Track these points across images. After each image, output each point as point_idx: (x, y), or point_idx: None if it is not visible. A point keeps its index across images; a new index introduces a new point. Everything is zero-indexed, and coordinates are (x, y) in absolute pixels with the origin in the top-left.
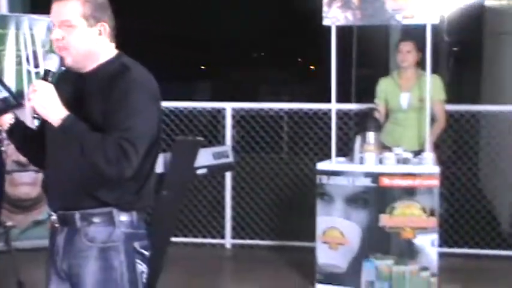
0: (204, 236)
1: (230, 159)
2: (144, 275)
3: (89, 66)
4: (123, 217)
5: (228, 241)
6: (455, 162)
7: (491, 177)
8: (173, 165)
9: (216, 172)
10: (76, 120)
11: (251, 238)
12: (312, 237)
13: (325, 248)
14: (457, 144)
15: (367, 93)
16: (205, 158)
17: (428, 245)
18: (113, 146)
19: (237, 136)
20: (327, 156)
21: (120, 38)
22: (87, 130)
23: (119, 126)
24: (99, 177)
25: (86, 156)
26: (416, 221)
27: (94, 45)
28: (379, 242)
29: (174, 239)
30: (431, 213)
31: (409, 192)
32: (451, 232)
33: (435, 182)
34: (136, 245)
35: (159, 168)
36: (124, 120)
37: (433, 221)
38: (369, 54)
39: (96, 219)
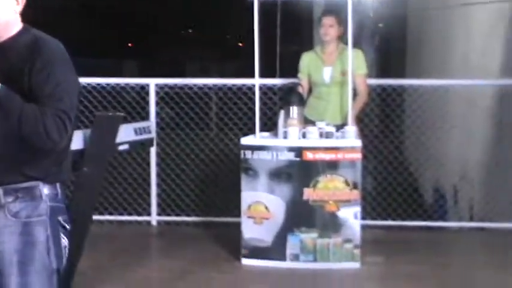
0: (130, 214)
1: (152, 134)
2: (66, 250)
3: (5, 36)
4: (48, 190)
5: (154, 218)
6: (379, 136)
7: (415, 152)
8: (93, 140)
9: (137, 148)
10: (10, 91)
11: (177, 215)
12: (237, 212)
13: (251, 223)
14: (380, 118)
15: (291, 68)
16: (126, 133)
17: (352, 217)
18: (52, 117)
19: (162, 113)
20: (252, 131)
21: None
22: (23, 102)
23: (51, 97)
24: (27, 152)
25: (25, 128)
26: (339, 194)
27: (12, 15)
28: (303, 215)
29: (98, 217)
30: (354, 186)
31: (332, 166)
32: (374, 205)
33: (357, 156)
34: (60, 218)
35: (80, 144)
36: (54, 92)
37: (356, 194)
38: (293, 29)
39: (20, 194)
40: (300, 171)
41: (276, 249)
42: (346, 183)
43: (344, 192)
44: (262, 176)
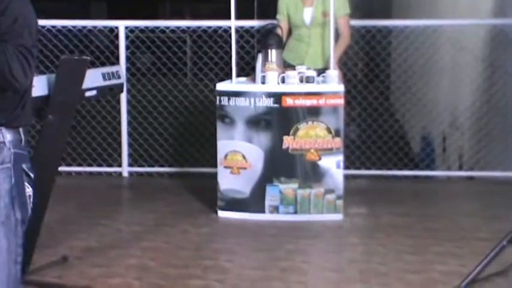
0: (100, 165)
1: (122, 80)
2: (31, 199)
3: None
4: (11, 136)
5: (125, 169)
6: (363, 81)
7: (401, 97)
8: (58, 86)
9: (106, 94)
10: None
11: (150, 166)
12: (213, 162)
13: (227, 173)
14: (365, 61)
15: (270, 9)
16: (94, 78)
17: (334, 166)
18: (14, 55)
19: (142, 58)
20: (228, 76)
21: None
22: None
23: (11, 33)
24: None
25: None
26: (320, 142)
27: None
28: (283, 165)
29: (66, 169)
30: (337, 134)
31: (313, 113)
32: (358, 154)
33: (340, 101)
34: (24, 166)
35: (44, 90)
36: (14, 28)
37: (338, 142)
38: None
39: None
40: (279, 119)
41: (254, 201)
42: (328, 130)
43: (326, 140)
44: (240, 124)
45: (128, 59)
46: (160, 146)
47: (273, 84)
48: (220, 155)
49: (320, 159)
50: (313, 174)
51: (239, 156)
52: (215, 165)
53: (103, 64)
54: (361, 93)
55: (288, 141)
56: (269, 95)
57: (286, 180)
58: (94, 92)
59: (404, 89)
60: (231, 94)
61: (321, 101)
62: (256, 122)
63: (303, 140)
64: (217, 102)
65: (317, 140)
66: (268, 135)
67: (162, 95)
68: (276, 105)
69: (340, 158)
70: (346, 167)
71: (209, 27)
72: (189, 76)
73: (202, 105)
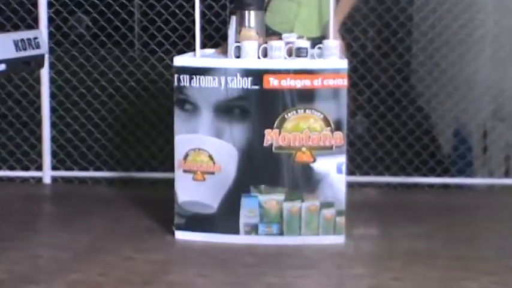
0: (12, 167)
1: (42, 50)
2: None
3: None
4: None
5: (47, 173)
6: (374, 54)
7: (426, 77)
8: None
9: (20, 69)
10: None
11: (82, 169)
12: (169, 165)
13: (188, 180)
14: (377, 28)
15: None
16: (3, 48)
17: (333, 171)
18: None
19: (57, 20)
20: (190, 48)
21: None
22: None
23: None
24: None
25: None
26: (316, 139)
27: None
28: (264, 168)
29: None
30: (337, 127)
31: (306, 97)
32: (366, 154)
33: (342, 82)
34: None
35: None
36: None
37: (340, 138)
38: None
39: None
40: (260, 106)
41: (224, 218)
42: (326, 122)
43: (323, 136)
44: (205, 112)
45: (51, 21)
46: (96, 142)
47: (251, 58)
48: (178, 155)
49: (315, 161)
50: (305, 181)
51: (204, 156)
52: (172, 169)
53: (16, 28)
54: (372, 72)
55: (271, 137)
56: (246, 73)
57: (268, 189)
58: (2, 67)
59: (431, 65)
60: (193, 72)
61: (317, 82)
62: (229, 109)
63: (291, 134)
64: (175, 83)
65: (311, 135)
66: (245, 128)
67: (99, 71)
68: (255, 87)
69: (343, 159)
70: (351, 172)
71: None
72: (136, 46)
73: (155, 87)
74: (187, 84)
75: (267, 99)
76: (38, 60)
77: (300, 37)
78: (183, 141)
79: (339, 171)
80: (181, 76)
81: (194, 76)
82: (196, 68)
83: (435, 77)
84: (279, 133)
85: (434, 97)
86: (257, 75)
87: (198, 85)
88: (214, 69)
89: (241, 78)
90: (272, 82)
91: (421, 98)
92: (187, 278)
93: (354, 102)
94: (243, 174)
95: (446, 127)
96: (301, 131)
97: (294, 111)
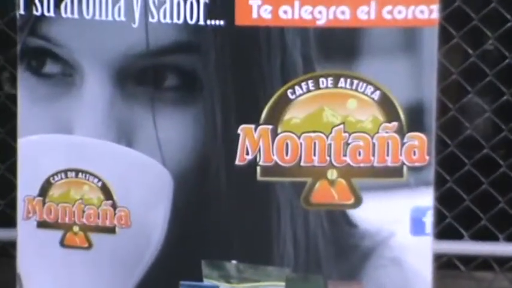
0: None
1: None
2: None
3: None
4: None
5: None
6: None
7: None
8: None
9: None
10: None
11: None
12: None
13: (49, 246)
14: None
15: None
16: None
17: (405, 227)
18: None
19: None
20: None
21: None
22: None
23: None
24: None
25: None
26: (362, 148)
27: None
28: (236, 217)
29: None
30: (415, 119)
31: (342, 48)
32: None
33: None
34: None
35: None
36: None
37: (421, 148)
38: None
39: None
40: (228, 68)
41: None
42: (384, 109)
43: (378, 140)
44: (94, 83)
45: None
46: None
47: None
48: (25, 187)
49: (358, 201)
50: (333, 252)
51: (92, 189)
52: (9, 221)
53: None
54: None
55: (253, 144)
56: None
57: (245, 270)
58: None
59: None
60: None
61: (370, 10)
62: (153, 77)
63: (302, 139)
64: (20, 9)
65: (349, 138)
66: (190, 123)
67: None
68: (217, 21)
69: (427, 201)
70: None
71: None
72: None
73: None
74: (51, 12)
75: (244, 51)
76: None
77: None
78: (37, 153)
79: (417, 228)
80: None
81: None
82: None
83: None
84: (273, 134)
85: None
86: None
87: (76, 15)
88: None
89: (182, 0)
90: (257, 11)
91: None
92: None
93: None
94: (183, 232)
95: None
96: (323, 126)
97: (309, 83)
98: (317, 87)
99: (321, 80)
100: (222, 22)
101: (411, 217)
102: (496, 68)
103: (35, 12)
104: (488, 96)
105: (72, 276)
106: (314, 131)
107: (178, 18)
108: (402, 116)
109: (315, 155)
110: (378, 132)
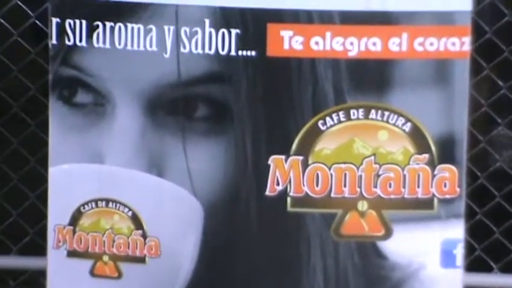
0: None
1: None
2: None
3: None
4: None
5: None
6: None
7: None
8: None
9: None
10: None
11: None
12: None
13: (79, 276)
14: None
15: None
16: None
17: (435, 260)
18: None
19: None
20: None
21: None
22: None
23: None
24: None
25: None
26: (394, 180)
27: None
28: (266, 250)
29: None
30: (447, 155)
31: (372, 81)
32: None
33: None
34: None
35: None
36: None
37: (452, 180)
38: None
39: None
40: (259, 100)
41: None
42: (416, 140)
43: (408, 172)
44: (126, 113)
45: None
46: None
47: None
48: (55, 217)
49: (389, 233)
50: (365, 283)
51: (121, 218)
52: (39, 250)
53: None
54: None
55: (284, 175)
56: (226, 17)
57: None
58: None
59: None
60: (99, 12)
61: (398, 43)
62: (183, 108)
63: (332, 170)
64: (52, 40)
65: (380, 170)
66: (221, 153)
67: None
68: (248, 52)
69: (459, 233)
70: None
71: None
72: None
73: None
74: (83, 42)
75: (275, 82)
76: None
77: None
78: (68, 182)
79: (448, 261)
80: (67, 22)
81: (100, 23)
82: (107, 4)
83: None
84: (304, 164)
85: None
86: (255, 24)
87: (108, 45)
88: (149, 5)
89: (214, 31)
90: (289, 42)
91: None
92: None
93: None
94: (213, 262)
95: None
96: (351, 159)
97: (340, 115)
98: (348, 118)
99: (352, 111)
100: (253, 53)
101: (441, 249)
102: None
103: (67, 42)
104: None
105: None
106: (345, 162)
107: (210, 48)
108: (433, 147)
109: (345, 186)
110: (408, 164)
